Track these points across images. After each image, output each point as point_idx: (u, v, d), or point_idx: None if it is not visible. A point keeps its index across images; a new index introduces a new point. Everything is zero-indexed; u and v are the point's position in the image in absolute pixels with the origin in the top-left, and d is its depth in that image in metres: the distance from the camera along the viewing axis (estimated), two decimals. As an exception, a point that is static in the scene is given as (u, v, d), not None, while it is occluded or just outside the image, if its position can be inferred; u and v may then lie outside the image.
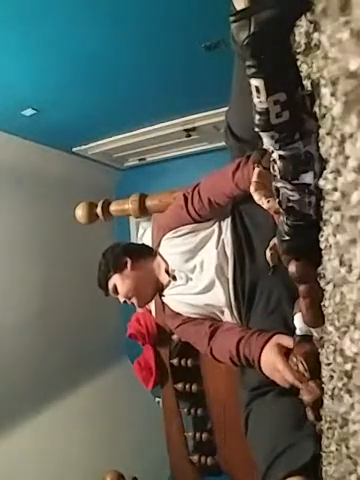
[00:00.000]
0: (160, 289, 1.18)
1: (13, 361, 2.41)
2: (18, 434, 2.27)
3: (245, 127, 0.80)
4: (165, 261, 1.14)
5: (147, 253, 1.22)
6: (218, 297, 1.00)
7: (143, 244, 1.40)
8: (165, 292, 1.16)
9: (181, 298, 1.10)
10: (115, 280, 1.17)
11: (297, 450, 0.68)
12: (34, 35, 1.58)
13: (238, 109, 0.83)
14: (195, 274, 1.05)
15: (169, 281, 1.13)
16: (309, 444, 0.65)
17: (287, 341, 0.76)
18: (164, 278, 1.15)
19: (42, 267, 2.81)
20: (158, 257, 1.17)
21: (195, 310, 1.06)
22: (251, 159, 0.83)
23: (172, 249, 1.10)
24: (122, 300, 1.19)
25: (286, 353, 0.74)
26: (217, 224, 1.04)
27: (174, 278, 1.11)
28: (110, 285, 1.18)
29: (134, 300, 1.17)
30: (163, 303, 1.19)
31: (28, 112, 2.22)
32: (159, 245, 1.17)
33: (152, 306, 1.60)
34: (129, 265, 1.17)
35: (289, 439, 0.71)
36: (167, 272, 1.13)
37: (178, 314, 1.12)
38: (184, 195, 1.04)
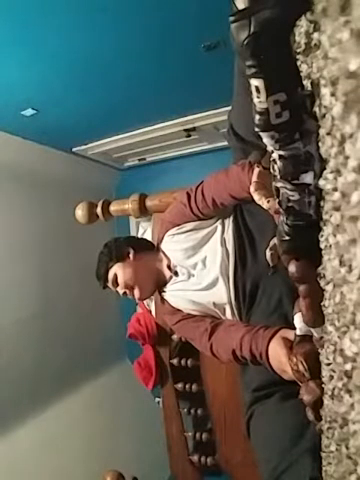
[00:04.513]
0: (161, 284, 1.17)
1: (13, 361, 2.41)
2: (18, 434, 2.27)
3: (248, 127, 0.79)
4: (167, 257, 1.14)
5: (149, 247, 1.23)
6: (221, 294, 1.00)
7: (145, 239, 1.40)
8: (166, 288, 1.16)
9: (183, 294, 1.10)
10: (116, 269, 1.15)
11: (297, 469, 0.69)
12: (34, 35, 1.59)
13: (240, 110, 0.83)
14: (197, 270, 1.06)
15: (171, 277, 1.13)
16: (307, 463, 0.66)
17: (293, 335, 0.75)
18: (166, 273, 1.15)
19: (42, 267, 2.81)
20: (160, 253, 1.17)
21: (197, 307, 1.06)
22: (251, 159, 0.83)
23: (175, 245, 1.10)
24: (121, 292, 1.17)
25: (291, 347, 0.74)
26: (220, 221, 1.05)
27: (176, 274, 1.12)
28: (110, 275, 1.16)
29: (135, 291, 1.15)
30: (163, 299, 1.18)
31: (28, 112, 2.22)
32: (162, 241, 1.17)
33: (152, 307, 1.60)
34: (132, 255, 1.16)
35: (290, 458, 0.71)
36: (169, 268, 1.13)
37: (178, 310, 1.11)
38: (187, 193, 1.05)
